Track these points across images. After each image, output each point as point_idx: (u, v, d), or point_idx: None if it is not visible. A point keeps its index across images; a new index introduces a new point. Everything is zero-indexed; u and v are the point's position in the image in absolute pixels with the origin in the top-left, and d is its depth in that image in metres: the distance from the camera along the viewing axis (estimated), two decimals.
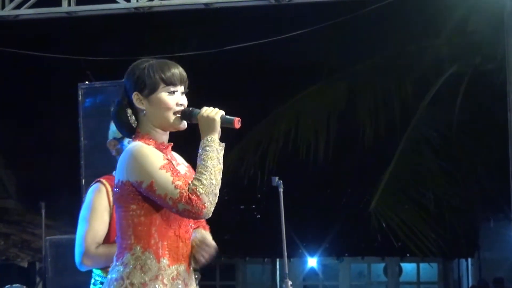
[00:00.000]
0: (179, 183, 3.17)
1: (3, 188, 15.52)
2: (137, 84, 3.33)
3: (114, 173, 4.20)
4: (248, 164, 13.49)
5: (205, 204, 3.16)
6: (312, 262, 17.19)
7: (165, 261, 3.25)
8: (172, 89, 3.34)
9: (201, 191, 3.16)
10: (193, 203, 3.14)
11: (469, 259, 16.92)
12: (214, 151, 3.25)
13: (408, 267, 18.12)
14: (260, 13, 13.51)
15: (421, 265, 17.74)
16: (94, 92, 6.93)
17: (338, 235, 15.67)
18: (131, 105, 3.36)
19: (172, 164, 3.27)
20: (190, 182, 3.19)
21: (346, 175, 15.34)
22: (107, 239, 4.14)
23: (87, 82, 7.07)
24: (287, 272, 7.07)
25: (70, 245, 6.55)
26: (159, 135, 3.36)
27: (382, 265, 18.05)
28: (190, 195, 3.14)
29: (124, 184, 3.24)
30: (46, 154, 14.69)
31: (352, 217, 15.08)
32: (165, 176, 3.17)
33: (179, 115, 3.36)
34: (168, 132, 3.41)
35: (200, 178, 3.18)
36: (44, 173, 14.42)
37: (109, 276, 3.29)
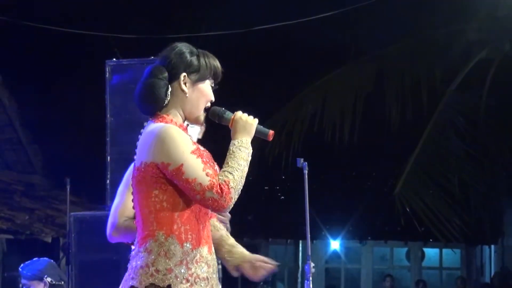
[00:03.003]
0: (210, 171, 3.16)
1: (29, 163, 15.60)
2: (189, 66, 3.31)
3: None
4: (273, 145, 13.47)
5: (232, 199, 3.18)
6: (335, 244, 17.20)
7: (188, 245, 3.25)
8: (213, 84, 3.37)
9: (232, 185, 3.17)
10: (223, 194, 3.15)
11: (493, 246, 16.85)
12: (246, 153, 3.28)
13: (431, 252, 18.08)
14: None
15: (444, 250, 17.69)
16: (122, 70, 6.92)
17: (361, 218, 15.65)
18: (170, 81, 3.31)
19: (199, 149, 3.26)
20: (221, 173, 3.19)
21: (371, 158, 15.30)
22: None
23: (114, 59, 7.06)
24: (309, 254, 7.05)
25: (94, 222, 6.61)
26: (180, 120, 3.35)
27: (405, 249, 18.03)
28: (222, 186, 3.15)
29: (148, 166, 3.20)
30: (73, 130, 14.75)
31: (376, 200, 15.05)
32: (196, 162, 3.16)
33: (205, 112, 3.37)
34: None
35: (233, 173, 3.19)
36: (70, 149, 14.48)
37: (133, 263, 3.27)
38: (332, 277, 18.38)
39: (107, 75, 6.85)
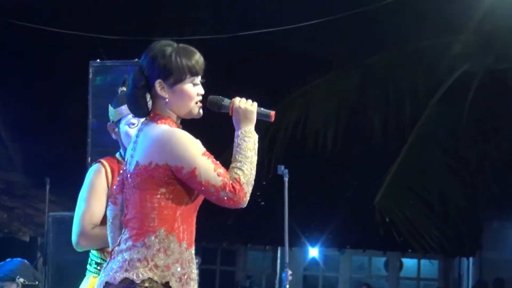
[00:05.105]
0: (221, 171, 3.22)
1: (9, 161, 15.54)
2: (163, 71, 3.31)
3: (117, 154, 4.21)
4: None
5: (246, 194, 3.26)
6: (313, 252, 17.23)
7: (184, 244, 3.31)
8: (196, 79, 3.35)
9: (243, 180, 3.24)
10: (236, 192, 3.22)
11: (471, 258, 16.91)
12: (251, 142, 3.33)
13: (409, 263, 18.14)
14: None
15: (422, 261, 17.76)
16: (105, 71, 6.92)
17: (340, 227, 15.68)
18: (149, 89, 3.34)
19: None
20: (231, 170, 3.25)
21: (352, 167, 15.33)
22: (104, 221, 4.10)
23: (98, 60, 7.06)
24: (287, 261, 7.08)
25: (72, 222, 6.59)
26: (176, 118, 3.39)
27: (383, 259, 18.07)
28: (234, 184, 3.22)
29: (160, 167, 3.24)
30: (54, 129, 14.71)
31: (355, 209, 15.07)
32: (207, 164, 3.21)
33: (201, 104, 3.38)
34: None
35: (242, 168, 3.25)
36: (51, 148, 14.44)
37: (126, 256, 3.27)
38: (310, 285, 18.40)
39: (90, 76, 6.86)
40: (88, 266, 4.29)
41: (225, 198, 3.22)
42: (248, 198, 3.28)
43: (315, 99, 13.85)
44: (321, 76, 14.08)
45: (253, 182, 3.29)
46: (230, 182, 3.21)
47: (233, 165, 3.27)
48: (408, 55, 13.56)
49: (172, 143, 3.23)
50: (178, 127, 3.36)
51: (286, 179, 7.05)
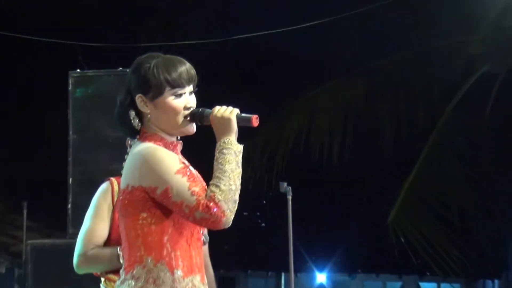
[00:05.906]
0: (196, 189, 3.19)
1: None
2: (142, 85, 3.34)
3: None
4: (255, 166, 13.46)
5: (224, 212, 3.19)
6: (321, 278, 17.22)
7: (179, 272, 3.28)
8: (179, 91, 3.35)
9: (219, 198, 3.19)
10: (211, 211, 3.17)
11: (496, 281, 16.90)
12: (232, 154, 3.28)
13: (428, 287, 18.12)
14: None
15: (442, 285, 17.75)
16: (86, 81, 6.92)
17: (350, 249, 15.67)
18: (135, 105, 3.36)
19: (188, 167, 3.29)
20: (208, 187, 3.22)
21: (362, 182, 15.32)
22: (108, 242, 4.27)
23: (78, 70, 7.05)
24: None
25: (53, 251, 6.56)
26: (167, 135, 3.38)
27: (399, 283, 18.07)
28: (208, 203, 3.17)
29: (136, 190, 3.25)
30: (32, 148, 14.70)
31: (367, 229, 15.06)
32: (181, 182, 3.20)
33: (188, 118, 3.37)
34: None
35: (218, 184, 3.21)
36: (28, 169, 14.43)
37: None
38: None
39: (70, 88, 6.85)
40: None
41: (202, 219, 3.19)
42: (231, 217, 3.22)
43: (319, 108, 13.86)
44: (325, 82, 14.09)
45: (236, 199, 3.24)
46: (205, 201, 3.17)
47: (210, 182, 3.25)
48: (421, 56, 13.57)
49: (144, 162, 3.24)
50: (167, 144, 3.35)
51: (289, 197, 7.04)
